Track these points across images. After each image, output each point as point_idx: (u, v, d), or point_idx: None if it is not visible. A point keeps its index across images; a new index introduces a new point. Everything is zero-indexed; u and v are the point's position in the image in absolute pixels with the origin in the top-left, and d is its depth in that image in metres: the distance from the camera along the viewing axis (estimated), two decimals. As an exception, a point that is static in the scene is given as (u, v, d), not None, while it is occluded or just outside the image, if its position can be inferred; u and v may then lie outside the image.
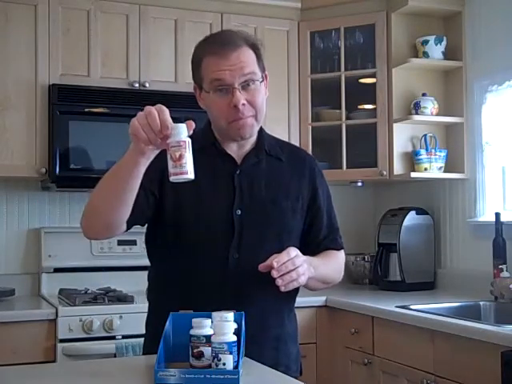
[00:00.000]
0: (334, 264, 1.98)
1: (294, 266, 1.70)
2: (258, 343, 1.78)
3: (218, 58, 1.78)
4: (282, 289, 1.69)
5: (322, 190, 1.98)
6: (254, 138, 1.91)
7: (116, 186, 1.65)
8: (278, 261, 1.68)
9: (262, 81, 1.84)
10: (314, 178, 1.97)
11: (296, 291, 1.89)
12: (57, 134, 3.21)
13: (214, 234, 1.83)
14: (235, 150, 1.90)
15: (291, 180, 1.93)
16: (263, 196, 1.88)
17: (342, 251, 2.03)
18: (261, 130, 1.94)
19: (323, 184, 2.00)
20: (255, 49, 1.84)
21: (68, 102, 3.23)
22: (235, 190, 1.85)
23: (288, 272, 1.69)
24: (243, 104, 1.77)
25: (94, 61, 3.37)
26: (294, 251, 1.73)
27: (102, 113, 3.30)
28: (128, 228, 1.78)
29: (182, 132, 1.54)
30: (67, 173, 3.23)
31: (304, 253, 1.81)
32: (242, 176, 1.87)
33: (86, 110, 3.27)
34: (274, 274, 1.67)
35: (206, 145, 1.87)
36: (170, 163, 1.54)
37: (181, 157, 1.52)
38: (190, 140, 1.54)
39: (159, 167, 1.66)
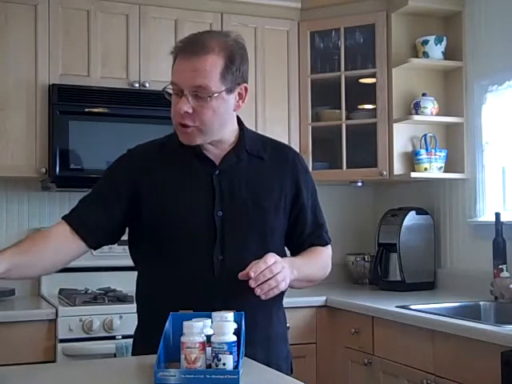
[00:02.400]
0: (318, 261, 1.97)
1: (272, 274, 1.69)
2: (249, 344, 1.77)
3: (181, 60, 1.76)
4: (263, 297, 1.69)
5: (305, 186, 1.95)
6: (233, 138, 1.88)
7: None
8: (254, 271, 1.67)
9: (211, 96, 1.72)
10: (298, 175, 1.93)
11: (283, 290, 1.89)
12: (57, 134, 3.21)
13: (196, 236, 1.82)
14: (213, 151, 1.86)
15: (273, 179, 1.90)
16: (244, 196, 1.85)
17: (329, 246, 2.01)
18: (242, 129, 1.91)
19: (308, 180, 1.97)
20: (230, 60, 1.75)
21: (68, 102, 3.23)
22: (215, 191, 1.83)
23: (266, 280, 1.68)
24: (185, 112, 1.74)
25: (93, 61, 3.37)
26: (272, 258, 1.72)
27: (102, 113, 3.29)
28: (95, 248, 1.88)
29: (198, 331, 1.48)
30: (67, 173, 3.23)
31: (289, 250, 1.82)
32: (222, 176, 1.84)
33: (86, 110, 3.27)
34: (252, 284, 1.67)
35: (184, 145, 1.83)
36: (184, 363, 1.47)
37: (196, 360, 1.46)
38: (205, 338, 1.48)
39: (128, 181, 1.83)
